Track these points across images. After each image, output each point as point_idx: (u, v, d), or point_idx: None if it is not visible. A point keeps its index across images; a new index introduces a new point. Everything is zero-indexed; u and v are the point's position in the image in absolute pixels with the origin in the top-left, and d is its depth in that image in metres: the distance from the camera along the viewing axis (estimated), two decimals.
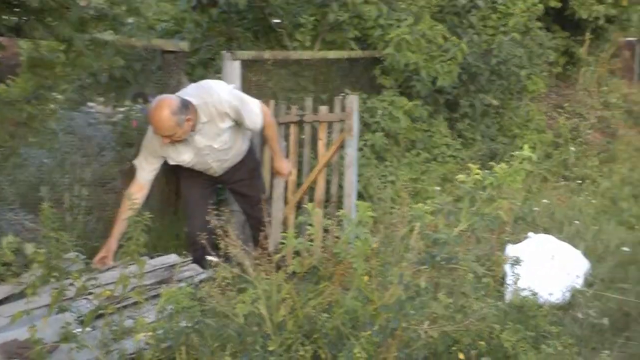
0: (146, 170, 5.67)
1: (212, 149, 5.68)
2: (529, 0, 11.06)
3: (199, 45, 8.08)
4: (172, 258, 5.46)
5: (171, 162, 5.69)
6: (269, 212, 6.29)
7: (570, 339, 4.51)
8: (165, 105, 5.28)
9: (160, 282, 4.82)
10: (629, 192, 10.07)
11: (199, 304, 3.88)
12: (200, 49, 8.00)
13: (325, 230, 5.85)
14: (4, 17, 4.80)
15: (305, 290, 4.07)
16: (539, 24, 11.28)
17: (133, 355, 3.99)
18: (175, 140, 5.45)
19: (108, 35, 5.12)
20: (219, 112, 5.55)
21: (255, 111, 5.80)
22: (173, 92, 5.78)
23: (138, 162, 5.70)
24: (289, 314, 3.84)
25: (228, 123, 5.63)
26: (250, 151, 6.20)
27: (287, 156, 6.72)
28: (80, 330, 4.03)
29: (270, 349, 3.59)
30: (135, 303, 4.42)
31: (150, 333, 3.81)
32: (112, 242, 5.35)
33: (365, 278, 4.02)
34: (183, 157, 5.66)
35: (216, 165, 5.83)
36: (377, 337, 3.62)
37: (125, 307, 4.33)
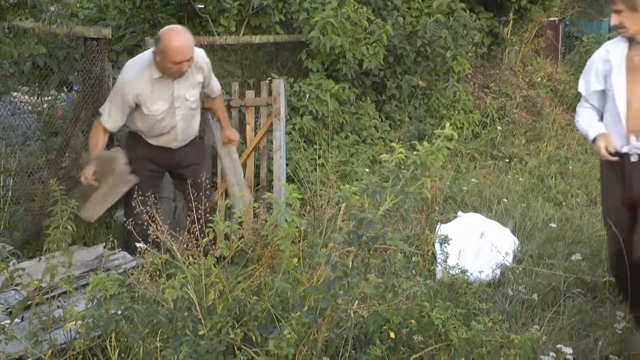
0: (113, 119, 5.67)
1: (184, 101, 5.75)
2: None
3: (123, 32, 8.00)
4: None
5: (145, 111, 5.64)
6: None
7: (500, 315, 4.61)
8: (185, 31, 5.51)
9: (89, 271, 4.79)
10: (556, 169, 10.26)
11: (128, 291, 3.87)
12: (124, 36, 7.92)
13: (255, 215, 5.89)
14: None
15: (234, 273, 4.09)
16: (463, 5, 11.35)
17: (64, 345, 3.97)
18: (176, 73, 5.56)
19: (28, 23, 5.05)
20: (197, 64, 5.71)
21: (215, 78, 6.08)
22: (97, 79, 5.73)
23: (104, 111, 5.70)
24: (218, 297, 3.86)
25: (200, 78, 5.81)
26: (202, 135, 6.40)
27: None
28: (8, 321, 4.00)
29: (201, 333, 3.61)
30: (64, 293, 4.40)
31: (79, 322, 3.80)
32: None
33: (294, 260, 4.06)
34: (157, 105, 5.66)
35: (180, 126, 5.84)
36: (307, 318, 3.65)
37: (54, 297, 4.31)
